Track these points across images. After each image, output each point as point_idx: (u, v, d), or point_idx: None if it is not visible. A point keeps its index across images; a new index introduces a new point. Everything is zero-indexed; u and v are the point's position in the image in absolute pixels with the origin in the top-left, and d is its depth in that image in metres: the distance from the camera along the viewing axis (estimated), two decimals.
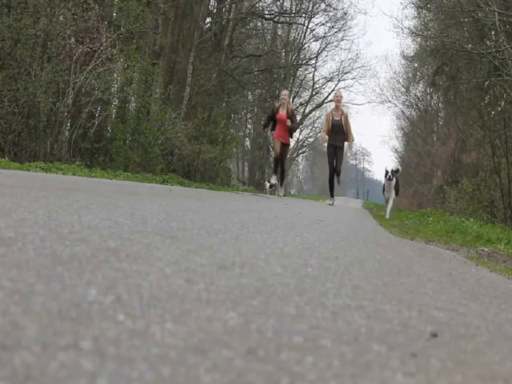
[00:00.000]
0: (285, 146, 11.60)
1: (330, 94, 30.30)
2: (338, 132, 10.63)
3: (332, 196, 11.17)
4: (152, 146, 12.90)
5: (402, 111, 33.36)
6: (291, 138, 12.08)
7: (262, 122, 12.00)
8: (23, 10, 9.92)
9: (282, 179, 12.08)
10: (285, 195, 20.97)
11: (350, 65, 31.16)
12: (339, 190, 11.01)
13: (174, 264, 1.43)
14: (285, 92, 11.75)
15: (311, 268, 1.79)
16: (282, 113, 11.27)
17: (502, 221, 10.71)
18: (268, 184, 11.70)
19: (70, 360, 0.72)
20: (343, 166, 11.30)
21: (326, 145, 11.05)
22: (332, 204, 10.80)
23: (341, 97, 11.05)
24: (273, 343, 0.94)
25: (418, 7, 19.07)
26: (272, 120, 11.45)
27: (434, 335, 1.18)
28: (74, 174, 7.21)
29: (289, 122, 11.10)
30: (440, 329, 1.25)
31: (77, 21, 10.42)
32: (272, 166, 13.43)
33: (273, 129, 11.60)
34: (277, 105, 11.57)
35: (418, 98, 30.64)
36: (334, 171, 10.79)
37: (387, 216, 9.03)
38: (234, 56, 21.18)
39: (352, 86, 32.07)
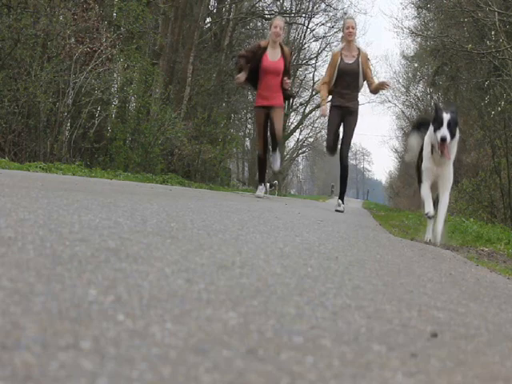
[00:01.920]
0: (275, 108, 6.80)
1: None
2: (350, 84, 6.56)
3: (342, 198, 7.12)
4: (152, 146, 12.90)
5: (402, 111, 33.38)
6: (288, 99, 7.27)
7: (238, 65, 6.94)
8: (23, 10, 9.92)
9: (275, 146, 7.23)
10: (285, 195, 20.92)
11: None
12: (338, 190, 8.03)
13: (173, 264, 1.43)
14: (279, 22, 6.77)
15: (311, 268, 1.79)
16: (273, 59, 6.65)
17: (502, 221, 10.71)
18: (268, 184, 11.32)
19: (70, 360, 0.73)
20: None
21: (326, 112, 6.76)
22: (341, 208, 7.05)
23: (353, 27, 6.69)
24: (273, 343, 0.94)
25: (418, 7, 19.09)
26: (251, 70, 6.70)
27: (434, 335, 1.18)
28: (74, 174, 7.20)
29: (289, 84, 6.74)
30: (440, 329, 1.25)
31: (77, 21, 10.42)
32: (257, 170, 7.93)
33: (252, 85, 6.96)
34: (262, 43, 6.80)
35: (418, 98, 30.64)
36: (336, 150, 6.82)
37: (439, 239, 3.96)
38: (234, 56, 21.17)
39: None
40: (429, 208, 4.03)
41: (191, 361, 0.80)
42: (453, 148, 3.96)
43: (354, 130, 6.74)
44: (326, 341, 1.01)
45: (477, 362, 1.05)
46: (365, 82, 6.73)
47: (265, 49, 6.68)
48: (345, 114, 6.65)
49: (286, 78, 6.75)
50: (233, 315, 1.06)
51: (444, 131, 3.75)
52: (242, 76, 6.74)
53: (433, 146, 3.94)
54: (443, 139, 3.76)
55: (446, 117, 3.79)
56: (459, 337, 1.22)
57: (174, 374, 0.74)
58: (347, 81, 6.55)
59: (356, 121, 6.76)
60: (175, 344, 0.85)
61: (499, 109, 10.97)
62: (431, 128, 3.93)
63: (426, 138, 4.06)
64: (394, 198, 38.21)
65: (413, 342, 1.11)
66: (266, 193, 9.19)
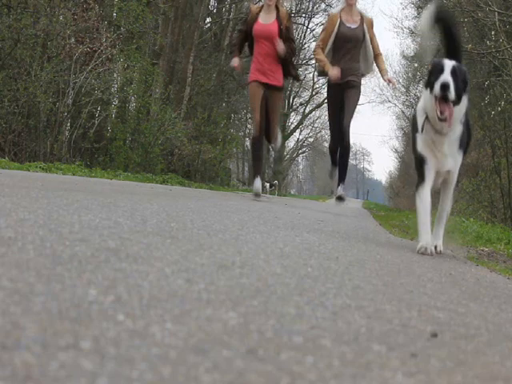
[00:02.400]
0: (273, 91, 5.89)
1: None
2: (351, 52, 5.46)
3: (342, 181, 5.82)
4: (152, 146, 12.90)
5: (402, 111, 33.41)
6: (289, 74, 5.98)
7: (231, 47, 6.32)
8: (23, 10, 9.92)
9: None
10: (285, 195, 20.87)
11: None
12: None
13: (173, 264, 1.43)
14: None
15: (311, 268, 1.79)
16: (265, 21, 5.73)
17: (502, 221, 10.71)
18: (268, 184, 11.25)
19: (70, 360, 0.72)
20: None
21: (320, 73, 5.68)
22: (342, 198, 5.95)
23: None
24: (273, 343, 0.94)
25: (418, 7, 19.07)
26: (245, 40, 5.97)
27: (434, 335, 1.18)
28: (74, 174, 7.20)
29: (280, 45, 5.60)
30: (440, 329, 1.25)
31: (77, 21, 10.42)
32: (252, 156, 6.68)
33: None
34: (254, 8, 5.94)
35: (417, 98, 30.64)
36: (340, 132, 5.53)
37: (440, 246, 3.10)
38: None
39: None
40: (426, 238, 2.87)
41: (191, 361, 0.80)
42: (458, 113, 2.66)
43: (356, 102, 5.63)
44: (326, 341, 1.01)
45: (477, 362, 1.05)
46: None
47: (257, 14, 5.75)
48: (344, 88, 5.50)
49: (278, 40, 5.62)
50: (233, 315, 1.06)
51: (446, 77, 2.55)
52: (235, 61, 6.00)
53: (427, 117, 2.72)
54: (444, 85, 2.52)
55: (449, 64, 2.61)
56: (459, 337, 1.22)
57: (174, 374, 0.74)
58: (347, 48, 5.44)
59: (358, 95, 5.65)
60: (175, 344, 0.85)
61: (499, 109, 10.96)
62: (426, 92, 2.73)
63: (419, 107, 2.87)
64: (394, 198, 38.23)
65: (413, 341, 1.11)
66: (265, 192, 8.38)
